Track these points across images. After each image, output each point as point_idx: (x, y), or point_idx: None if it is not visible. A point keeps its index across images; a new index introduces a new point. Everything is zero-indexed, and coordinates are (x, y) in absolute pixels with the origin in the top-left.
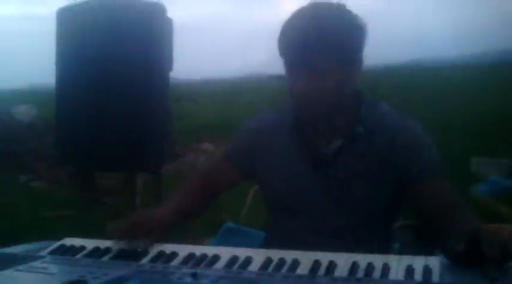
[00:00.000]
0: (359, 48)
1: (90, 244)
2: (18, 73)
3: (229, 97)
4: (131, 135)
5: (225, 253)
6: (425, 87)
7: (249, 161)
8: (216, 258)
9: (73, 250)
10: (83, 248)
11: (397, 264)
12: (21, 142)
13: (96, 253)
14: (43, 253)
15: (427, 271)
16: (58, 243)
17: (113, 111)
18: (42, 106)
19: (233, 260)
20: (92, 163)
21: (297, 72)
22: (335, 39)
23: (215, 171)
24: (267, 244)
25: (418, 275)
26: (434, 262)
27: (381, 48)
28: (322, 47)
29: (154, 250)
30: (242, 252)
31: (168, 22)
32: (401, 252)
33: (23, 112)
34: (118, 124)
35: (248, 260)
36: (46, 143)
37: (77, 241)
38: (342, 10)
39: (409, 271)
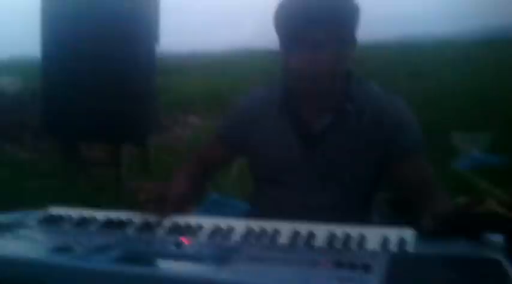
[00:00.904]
0: (355, 25)
1: (75, 213)
2: (2, 44)
3: (217, 71)
4: (117, 107)
5: (208, 223)
6: (412, 62)
7: (241, 138)
8: (199, 228)
9: (59, 219)
10: (68, 217)
11: (374, 235)
12: (5, 113)
13: (82, 221)
14: (30, 221)
15: (402, 242)
16: (44, 212)
17: (99, 83)
18: (26, 77)
19: (216, 230)
20: (76, 134)
21: (294, 46)
22: (333, 15)
23: (210, 152)
24: (250, 216)
25: (393, 246)
26: (409, 233)
27: (370, 24)
28: (320, 22)
29: (139, 220)
30: (225, 222)
31: None
32: (378, 224)
33: (7, 83)
34: (104, 95)
35: (231, 230)
36: (31, 114)
37: (62, 210)
38: None
39: (385, 241)
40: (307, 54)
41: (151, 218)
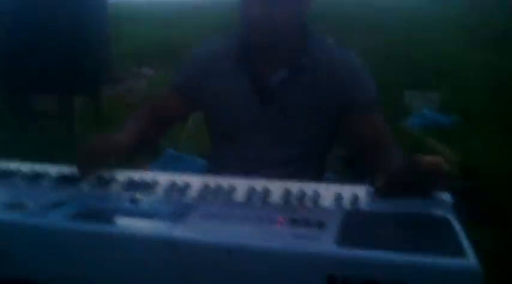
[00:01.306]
0: None
1: (27, 167)
2: None
3: (172, 20)
4: (67, 56)
5: (164, 179)
6: (366, 18)
7: (196, 90)
8: (155, 183)
9: (10, 173)
10: (20, 171)
11: (327, 192)
12: None
13: (35, 176)
14: None
15: (354, 198)
16: None
17: (49, 32)
18: None
19: (172, 186)
20: (27, 84)
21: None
22: None
23: (165, 103)
24: (207, 172)
25: (346, 203)
26: (362, 190)
27: None
28: None
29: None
30: (181, 178)
31: None
32: (332, 181)
33: None
34: (54, 45)
35: (187, 186)
36: None
37: (13, 165)
38: None
39: (339, 198)
40: (265, 3)
41: (81, 171)
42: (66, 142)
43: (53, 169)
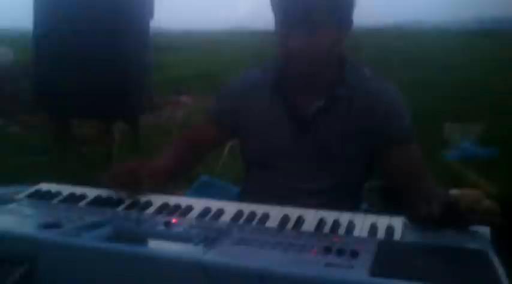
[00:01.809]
0: (351, 7)
1: (66, 189)
2: None
3: (211, 50)
4: (109, 84)
5: (198, 204)
6: (406, 50)
7: (233, 120)
8: (189, 208)
9: (49, 195)
10: (59, 193)
11: (362, 222)
12: None
13: (72, 198)
14: (19, 196)
15: (389, 229)
16: (34, 187)
17: (91, 59)
18: (19, 50)
19: (206, 211)
20: (68, 110)
21: (291, 25)
22: None
23: (201, 132)
24: (241, 199)
25: (381, 233)
26: (397, 221)
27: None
28: (315, 4)
29: (129, 199)
30: (215, 204)
31: None
32: (368, 212)
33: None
34: (96, 72)
35: (220, 212)
36: (23, 88)
37: (53, 187)
38: None
39: (373, 228)
40: (303, 33)
41: (125, 195)
42: (104, 168)
43: (90, 192)
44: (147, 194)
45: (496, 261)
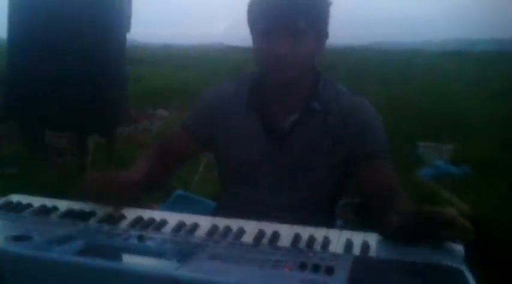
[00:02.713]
0: (327, 19)
1: (37, 201)
2: None
3: (187, 64)
4: (84, 95)
5: (173, 218)
6: (380, 69)
7: (207, 131)
8: (163, 223)
9: (19, 207)
10: (29, 205)
11: (338, 238)
12: None
13: (43, 210)
14: None
15: (365, 245)
16: (4, 198)
17: (67, 69)
18: None
19: (180, 225)
20: (42, 121)
21: (272, 33)
22: (307, 7)
23: (174, 142)
24: (216, 214)
25: (356, 249)
26: (372, 238)
27: (343, 29)
28: (295, 12)
29: (102, 211)
30: (189, 218)
31: None
32: (343, 228)
33: None
34: (71, 83)
35: (195, 227)
36: None
37: (23, 198)
38: None
39: (348, 245)
40: (284, 41)
41: (99, 206)
42: (77, 179)
43: (62, 204)
44: (120, 205)
45: (470, 278)
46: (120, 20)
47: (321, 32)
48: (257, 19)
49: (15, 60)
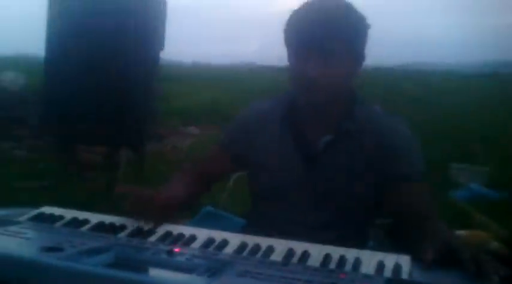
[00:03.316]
0: (364, 42)
1: (69, 214)
2: (7, 40)
3: (219, 83)
4: (116, 111)
5: (202, 234)
6: (415, 91)
7: (244, 151)
8: (192, 238)
9: (52, 218)
10: (61, 217)
11: (369, 259)
12: (5, 109)
13: (75, 223)
14: (21, 218)
15: (397, 268)
16: (37, 210)
17: (100, 86)
18: (30, 75)
19: (209, 241)
20: (75, 135)
21: (309, 54)
22: (345, 27)
23: (210, 161)
24: (245, 231)
25: (388, 272)
26: (405, 260)
27: (379, 49)
28: (331, 34)
29: (133, 225)
30: (219, 234)
31: (162, 2)
32: (374, 250)
33: (10, 79)
34: (104, 98)
35: (224, 243)
36: (31, 112)
37: (56, 210)
38: (349, 4)
39: (380, 266)
40: (320, 62)
41: (137, 222)
42: (108, 193)
43: (93, 217)
44: (161, 223)
45: None
46: (154, 39)
47: (358, 55)
48: (293, 39)
49: (51, 77)
